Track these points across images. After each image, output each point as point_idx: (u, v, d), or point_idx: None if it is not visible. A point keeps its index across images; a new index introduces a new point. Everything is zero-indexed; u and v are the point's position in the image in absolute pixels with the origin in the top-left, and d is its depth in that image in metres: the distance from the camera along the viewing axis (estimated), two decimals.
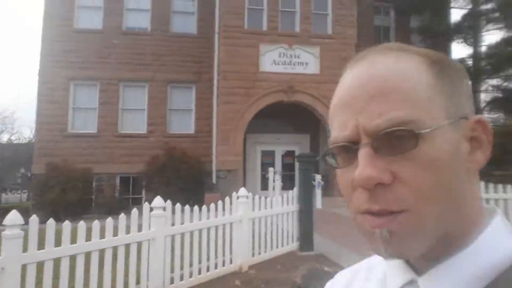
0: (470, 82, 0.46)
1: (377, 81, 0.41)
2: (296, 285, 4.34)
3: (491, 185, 7.61)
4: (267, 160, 13.95)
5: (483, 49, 14.78)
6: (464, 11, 15.21)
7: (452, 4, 15.42)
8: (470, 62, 14.53)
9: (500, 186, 7.66)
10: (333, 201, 11.99)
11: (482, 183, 7.21)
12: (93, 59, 13.15)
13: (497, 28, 15.10)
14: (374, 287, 0.51)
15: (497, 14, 14.55)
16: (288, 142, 14.23)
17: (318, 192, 11.40)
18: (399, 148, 0.39)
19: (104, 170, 12.78)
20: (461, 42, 15.01)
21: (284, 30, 12.52)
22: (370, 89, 0.41)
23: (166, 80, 13.59)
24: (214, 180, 11.93)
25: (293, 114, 13.35)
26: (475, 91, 14.67)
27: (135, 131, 13.40)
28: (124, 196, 12.60)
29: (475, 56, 14.56)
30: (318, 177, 11.58)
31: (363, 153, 0.40)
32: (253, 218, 5.43)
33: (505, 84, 14.93)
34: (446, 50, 15.13)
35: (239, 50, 11.92)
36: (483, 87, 15.19)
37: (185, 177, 11.66)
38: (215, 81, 12.39)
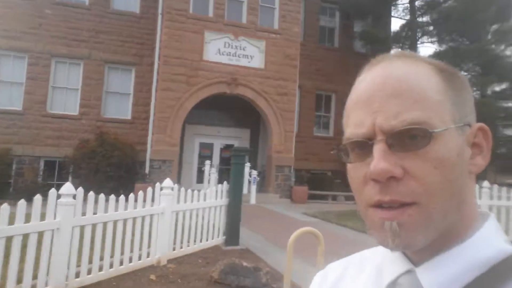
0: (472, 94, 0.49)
1: (393, 82, 0.44)
2: (213, 279, 4.25)
3: None
4: (205, 152, 13.69)
5: None
6: (403, 21, 16.11)
7: (393, 13, 16.24)
8: None
9: None
10: (267, 197, 12.12)
11: None
12: (21, 28, 11.95)
13: (431, 42, 16.19)
14: (369, 278, 0.53)
15: (431, 28, 15.58)
16: (228, 135, 14.09)
17: (253, 188, 11.44)
18: (411, 146, 0.42)
19: (27, 152, 11.76)
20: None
21: (231, 19, 12.32)
22: (387, 89, 0.43)
23: (103, 59, 12.77)
24: (147, 170, 11.47)
25: (235, 108, 13.25)
26: None
27: (66, 111, 12.47)
28: (48, 182, 11.63)
29: None
30: (254, 173, 11.62)
31: (378, 148, 0.42)
32: (177, 211, 5.22)
33: None
34: None
35: (182, 34, 11.51)
36: None
37: (117, 164, 11.04)
38: (155, 66, 11.88)
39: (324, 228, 7.98)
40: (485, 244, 0.44)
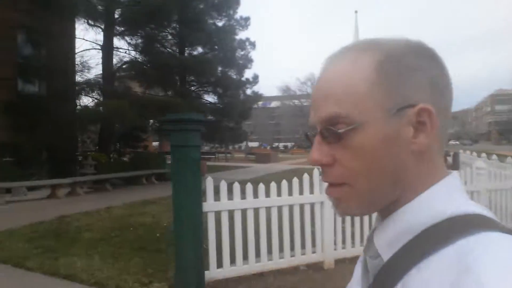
0: (435, 72, 0.50)
1: (323, 85, 0.52)
2: None
3: None
4: None
5: None
6: None
7: None
8: None
9: None
10: None
11: None
12: None
13: None
14: None
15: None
16: None
17: None
18: (336, 138, 0.49)
19: None
20: None
21: None
22: (319, 91, 0.52)
23: None
24: None
25: None
26: None
27: None
28: None
29: None
30: None
31: (315, 139, 0.52)
32: None
33: None
34: None
35: None
36: None
37: None
38: None
39: None
40: (418, 208, 0.48)
